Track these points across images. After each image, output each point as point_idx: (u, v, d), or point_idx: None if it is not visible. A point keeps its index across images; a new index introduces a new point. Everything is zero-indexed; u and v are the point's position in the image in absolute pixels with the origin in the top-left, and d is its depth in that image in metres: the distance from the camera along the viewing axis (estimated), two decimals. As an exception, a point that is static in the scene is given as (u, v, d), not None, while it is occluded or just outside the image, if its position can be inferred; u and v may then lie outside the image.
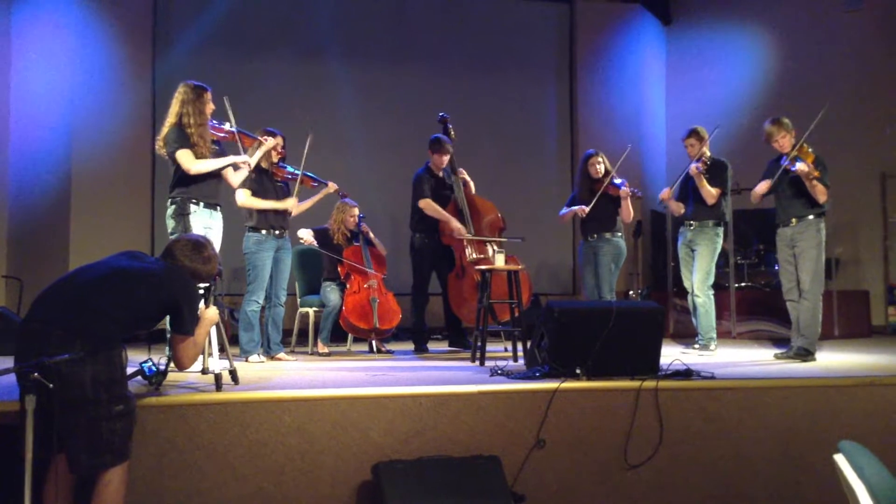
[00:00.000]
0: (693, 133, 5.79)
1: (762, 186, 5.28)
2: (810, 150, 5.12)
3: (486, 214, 6.00)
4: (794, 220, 5.18)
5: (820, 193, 5.08)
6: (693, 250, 5.76)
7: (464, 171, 6.09)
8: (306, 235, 6.10)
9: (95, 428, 2.71)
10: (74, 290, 2.86)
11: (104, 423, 2.73)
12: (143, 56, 7.76)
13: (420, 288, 6.04)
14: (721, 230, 5.73)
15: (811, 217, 5.12)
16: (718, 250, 5.74)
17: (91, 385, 2.69)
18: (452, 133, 6.14)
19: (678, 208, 5.90)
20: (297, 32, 8.24)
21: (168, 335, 3.05)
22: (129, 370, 3.07)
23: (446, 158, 5.99)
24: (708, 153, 5.74)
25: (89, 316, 2.76)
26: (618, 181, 5.86)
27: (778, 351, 5.38)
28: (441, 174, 6.08)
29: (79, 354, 2.63)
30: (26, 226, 7.55)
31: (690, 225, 5.78)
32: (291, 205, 5.27)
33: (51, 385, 2.50)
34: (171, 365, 3.41)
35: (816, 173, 5.04)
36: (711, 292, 5.72)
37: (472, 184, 6.12)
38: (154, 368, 3.43)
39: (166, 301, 2.97)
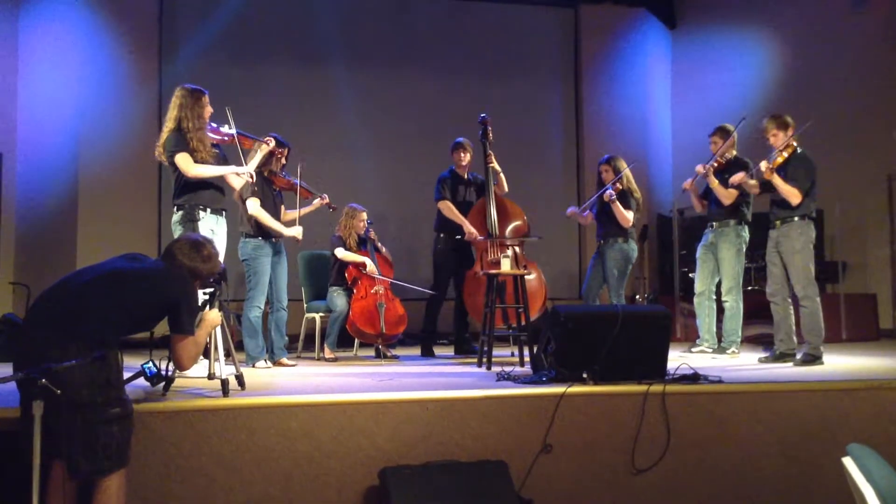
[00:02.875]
0: (717, 130, 5.68)
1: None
2: (785, 153, 5.04)
3: (512, 219, 5.97)
4: (777, 222, 5.12)
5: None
6: (714, 255, 5.65)
7: (493, 160, 5.95)
8: (368, 262, 5.91)
9: (91, 432, 2.68)
10: (70, 292, 2.84)
11: (101, 426, 2.70)
12: (150, 64, 7.80)
13: (438, 288, 6.08)
14: (744, 229, 5.59)
15: (795, 219, 5.01)
16: (743, 250, 5.61)
17: (87, 387, 2.66)
18: (490, 134, 6.03)
19: (698, 205, 5.87)
20: (303, 39, 8.26)
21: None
22: (128, 374, 3.06)
23: (465, 156, 6.05)
24: (727, 154, 5.59)
25: (84, 318, 2.74)
26: (611, 188, 5.80)
27: (762, 355, 5.31)
28: (466, 176, 6.13)
29: (86, 360, 2.61)
30: (34, 232, 7.59)
31: (712, 226, 5.69)
32: (296, 233, 5.18)
33: (58, 391, 2.49)
34: (177, 370, 3.41)
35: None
36: (740, 296, 5.60)
37: (502, 176, 5.98)
38: (155, 369, 3.41)
39: (163, 301, 2.94)
